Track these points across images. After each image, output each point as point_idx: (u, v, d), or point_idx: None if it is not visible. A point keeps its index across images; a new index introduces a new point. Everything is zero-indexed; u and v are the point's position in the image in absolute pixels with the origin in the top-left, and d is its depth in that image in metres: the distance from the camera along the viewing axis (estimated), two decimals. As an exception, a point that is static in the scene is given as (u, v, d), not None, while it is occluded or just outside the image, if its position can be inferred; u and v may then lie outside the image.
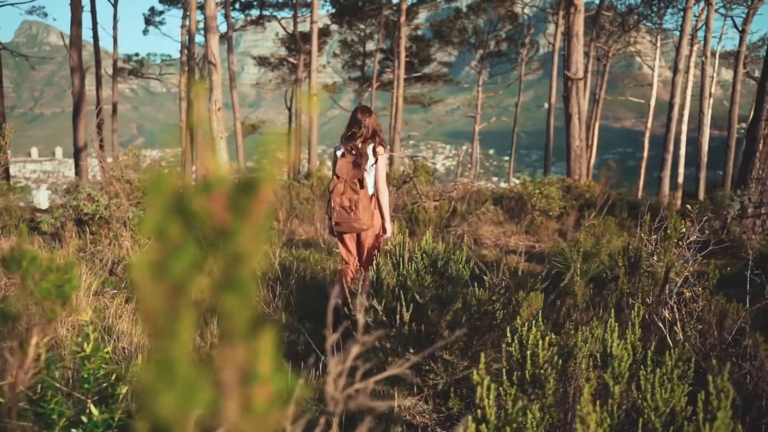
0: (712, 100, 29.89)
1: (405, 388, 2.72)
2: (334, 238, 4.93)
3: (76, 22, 18.96)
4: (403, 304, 2.61)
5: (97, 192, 6.40)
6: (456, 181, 8.76)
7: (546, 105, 28.79)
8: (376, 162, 4.34)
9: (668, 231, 2.61)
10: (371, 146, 4.36)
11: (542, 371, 1.59)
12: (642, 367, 1.82)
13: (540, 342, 1.60)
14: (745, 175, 7.88)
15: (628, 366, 1.67)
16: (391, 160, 32.85)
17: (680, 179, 26.92)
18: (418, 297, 2.76)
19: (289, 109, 36.04)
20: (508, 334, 1.83)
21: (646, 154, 31.63)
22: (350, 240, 4.47)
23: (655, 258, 2.59)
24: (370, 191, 4.36)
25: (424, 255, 3.62)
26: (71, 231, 5.63)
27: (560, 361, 1.66)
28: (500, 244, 7.61)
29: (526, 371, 1.59)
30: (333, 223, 4.32)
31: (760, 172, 7.65)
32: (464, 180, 9.30)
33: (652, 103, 30.77)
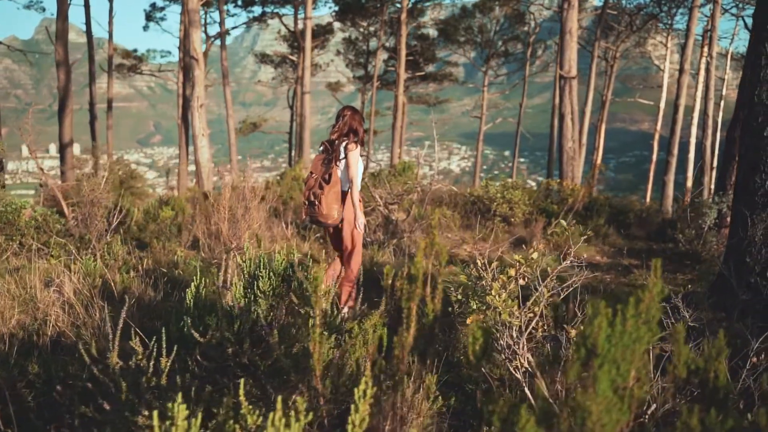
0: (723, 102, 28.82)
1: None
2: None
3: (62, 15, 18.68)
4: (164, 344, 2.02)
5: (5, 193, 5.93)
6: (416, 182, 8.10)
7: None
8: (345, 158, 4.40)
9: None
10: (345, 143, 4.44)
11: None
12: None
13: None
14: (723, 181, 7.14)
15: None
16: (391, 159, 32.17)
17: (689, 183, 25.96)
18: (196, 335, 2.16)
19: (291, 107, 35.55)
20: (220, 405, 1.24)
21: (655, 157, 30.72)
22: (331, 234, 4.68)
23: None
24: (344, 187, 4.45)
25: (271, 274, 3.05)
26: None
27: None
28: (450, 254, 6.98)
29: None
30: (307, 218, 4.50)
31: (740, 178, 6.89)
32: (424, 182, 8.63)
33: (662, 105, 29.76)
